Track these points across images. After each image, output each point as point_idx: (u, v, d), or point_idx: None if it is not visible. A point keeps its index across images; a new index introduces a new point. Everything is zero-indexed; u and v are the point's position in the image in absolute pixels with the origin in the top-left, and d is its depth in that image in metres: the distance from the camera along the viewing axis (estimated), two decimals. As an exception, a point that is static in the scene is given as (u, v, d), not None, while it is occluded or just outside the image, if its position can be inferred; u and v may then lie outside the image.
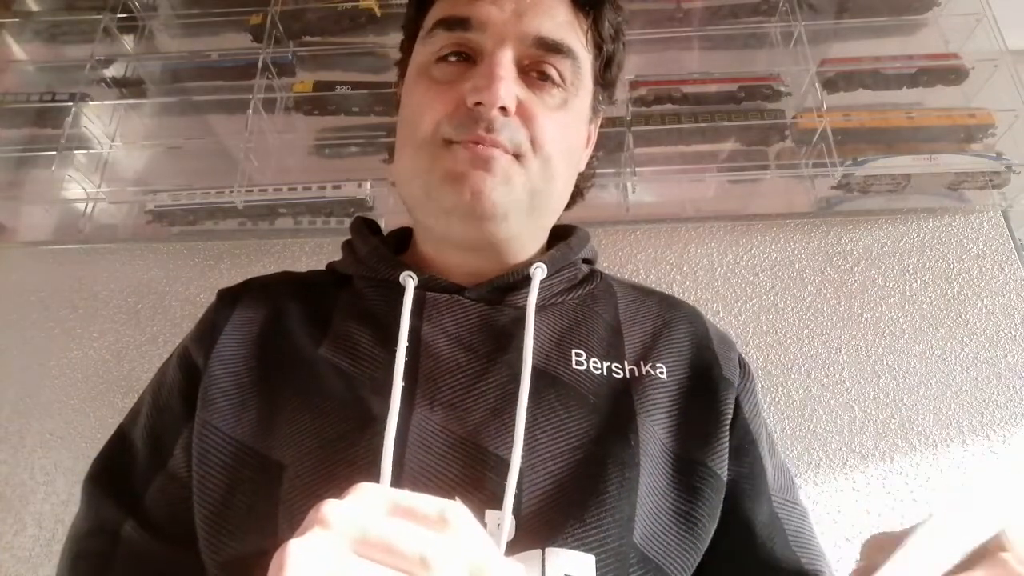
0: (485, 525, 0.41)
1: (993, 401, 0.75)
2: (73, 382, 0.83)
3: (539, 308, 0.51)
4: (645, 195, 0.88)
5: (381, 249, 0.55)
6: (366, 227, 0.59)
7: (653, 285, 0.82)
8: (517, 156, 0.49)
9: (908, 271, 0.82)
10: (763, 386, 0.76)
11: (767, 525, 0.49)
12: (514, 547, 0.41)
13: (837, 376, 0.77)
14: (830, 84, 0.89)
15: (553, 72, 0.50)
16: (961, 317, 0.79)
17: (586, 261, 0.59)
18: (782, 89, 0.88)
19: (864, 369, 0.77)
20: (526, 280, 0.52)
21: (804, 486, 0.71)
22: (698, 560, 0.46)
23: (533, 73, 0.50)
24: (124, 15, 0.97)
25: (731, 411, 0.51)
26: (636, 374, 0.50)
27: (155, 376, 0.55)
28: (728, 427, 0.50)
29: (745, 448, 0.50)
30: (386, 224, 0.86)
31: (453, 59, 0.51)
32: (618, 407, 0.48)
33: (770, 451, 0.52)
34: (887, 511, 0.70)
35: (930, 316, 0.79)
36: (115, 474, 0.50)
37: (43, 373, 0.84)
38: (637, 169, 0.84)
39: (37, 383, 0.83)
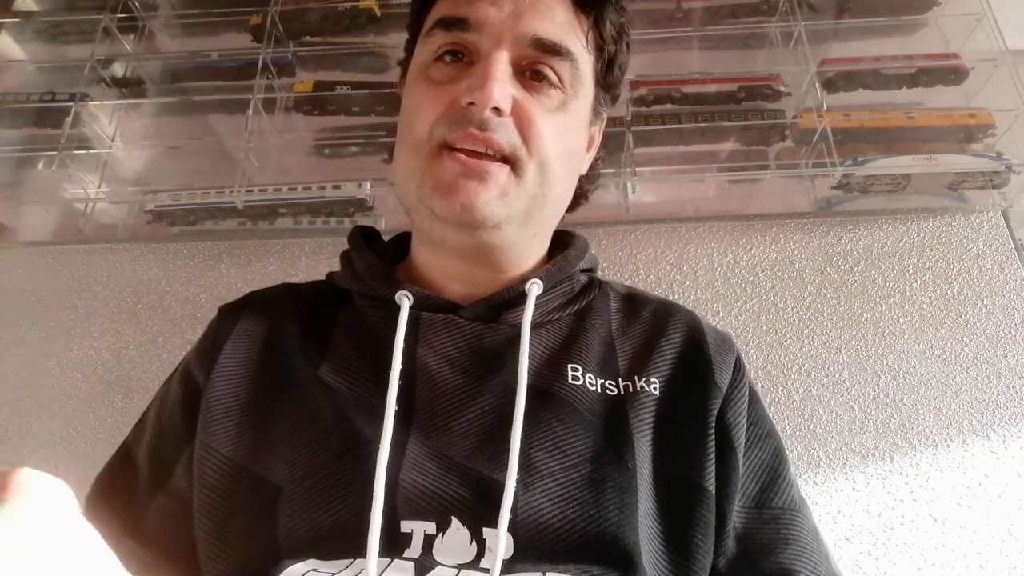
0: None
1: (993, 401, 0.75)
2: (73, 382, 0.83)
3: (535, 325, 0.51)
4: (645, 195, 0.88)
5: (377, 266, 0.54)
6: (363, 239, 0.58)
7: (653, 285, 0.83)
8: (512, 163, 0.48)
9: (908, 271, 0.82)
10: (763, 386, 0.76)
11: (728, 535, 0.48)
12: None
13: (837, 376, 0.77)
14: (830, 84, 0.89)
15: (550, 73, 0.50)
16: (961, 317, 0.79)
17: (586, 270, 0.58)
18: (782, 89, 0.88)
19: (864, 369, 0.77)
20: (521, 297, 0.52)
21: (804, 486, 0.71)
22: None
23: (530, 74, 0.50)
24: (124, 15, 0.97)
25: (715, 419, 0.50)
26: (630, 390, 0.50)
27: (159, 391, 0.55)
28: (713, 436, 0.49)
29: (726, 456, 0.49)
30: (386, 224, 0.87)
31: (449, 59, 0.50)
32: (614, 427, 0.47)
33: (746, 455, 0.50)
34: (887, 511, 0.70)
35: (930, 316, 0.79)
36: (117, 492, 0.50)
37: (43, 373, 0.84)
38: (637, 169, 0.83)
39: (37, 383, 0.83)
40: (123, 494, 0.50)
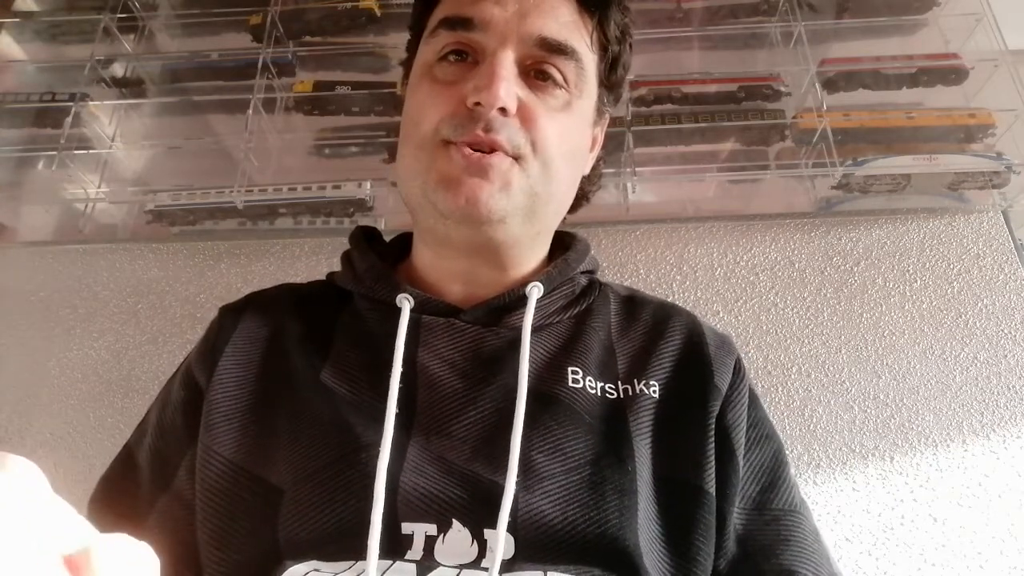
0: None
1: (993, 401, 0.75)
2: (73, 382, 0.83)
3: (535, 328, 0.50)
4: (645, 195, 0.88)
5: (378, 267, 0.54)
6: (364, 239, 0.58)
7: (653, 285, 0.83)
8: (516, 158, 0.48)
9: (908, 271, 0.82)
10: (763, 386, 0.76)
11: (728, 537, 0.48)
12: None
13: (837, 376, 0.77)
14: (830, 84, 0.89)
15: (555, 73, 0.50)
16: (961, 317, 0.79)
17: (586, 272, 0.58)
18: (782, 89, 0.88)
19: (864, 369, 0.77)
20: (522, 300, 0.52)
21: (804, 486, 0.71)
22: None
23: (535, 73, 0.50)
24: (124, 15, 0.97)
25: (715, 421, 0.50)
26: (630, 393, 0.50)
27: (160, 393, 0.55)
28: (712, 438, 0.49)
29: (725, 458, 0.49)
30: (386, 224, 0.87)
31: (454, 59, 0.50)
32: (613, 430, 0.48)
33: (746, 457, 0.50)
34: (887, 511, 0.70)
35: (930, 316, 0.79)
36: (120, 494, 0.50)
37: (43, 373, 0.84)
38: (637, 169, 0.83)
39: (37, 383, 0.83)
40: (126, 497, 0.50)
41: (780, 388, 0.77)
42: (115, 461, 0.53)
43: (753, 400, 0.54)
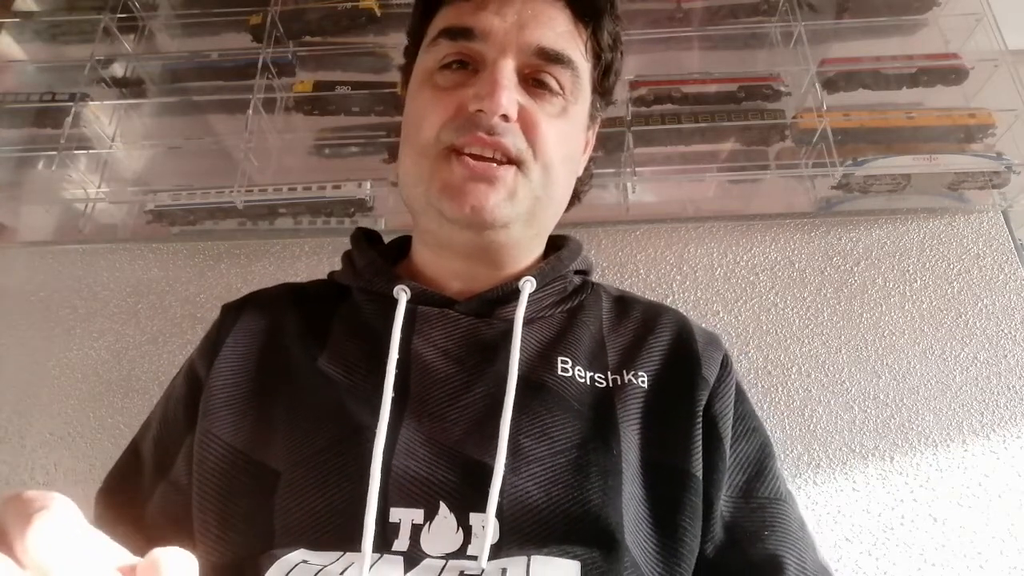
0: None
1: (993, 401, 0.75)
2: (73, 382, 0.83)
3: (527, 321, 0.52)
4: (645, 195, 0.88)
5: (377, 262, 0.56)
6: (364, 238, 0.60)
7: (653, 285, 0.83)
8: (518, 164, 0.50)
9: (908, 271, 0.82)
10: (763, 386, 0.76)
11: (715, 522, 0.49)
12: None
13: (837, 376, 0.77)
14: (830, 84, 0.89)
15: (552, 81, 0.52)
16: (961, 317, 0.79)
17: (580, 272, 0.60)
18: (782, 89, 0.88)
19: (864, 369, 0.77)
20: (515, 293, 0.53)
21: (804, 486, 0.71)
22: (689, 564, 0.46)
23: (533, 82, 0.52)
24: (124, 15, 0.97)
25: (702, 410, 0.51)
26: (618, 383, 0.51)
27: (166, 390, 0.57)
28: (700, 426, 0.50)
29: (713, 446, 0.50)
30: (386, 224, 0.87)
31: (456, 67, 0.52)
32: (601, 416, 0.49)
33: (732, 448, 0.52)
34: (887, 511, 0.70)
35: (930, 316, 0.79)
36: (123, 488, 0.52)
37: (43, 373, 0.84)
38: (637, 169, 0.84)
39: (37, 383, 0.83)
40: (130, 488, 0.52)
41: (780, 388, 0.77)
42: (122, 455, 0.55)
43: (740, 394, 0.55)
